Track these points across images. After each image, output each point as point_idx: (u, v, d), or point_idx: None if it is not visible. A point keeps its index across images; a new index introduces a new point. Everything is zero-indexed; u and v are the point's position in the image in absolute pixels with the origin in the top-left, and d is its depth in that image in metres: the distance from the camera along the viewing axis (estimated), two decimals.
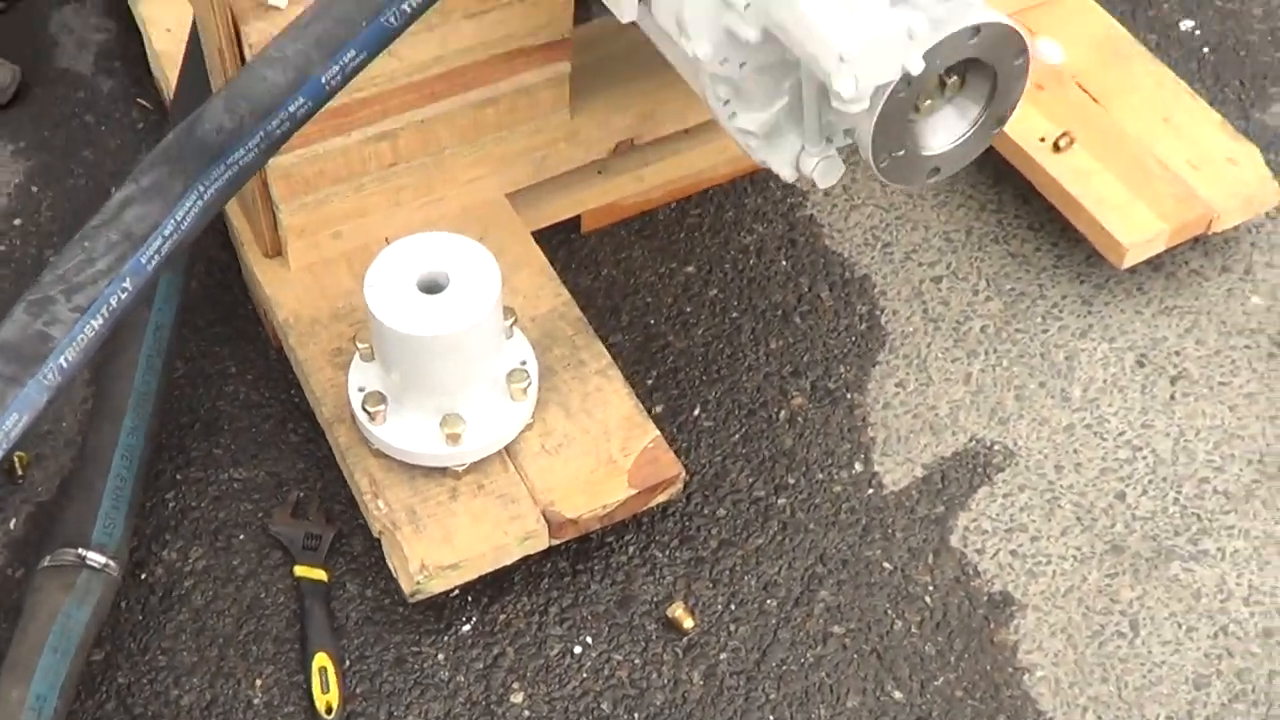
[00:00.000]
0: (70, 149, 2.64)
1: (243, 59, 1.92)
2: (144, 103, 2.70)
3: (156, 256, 1.37)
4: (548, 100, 2.19)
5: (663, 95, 2.26)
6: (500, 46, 2.08)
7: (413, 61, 2.02)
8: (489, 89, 2.12)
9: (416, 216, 2.21)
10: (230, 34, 1.91)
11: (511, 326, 2.01)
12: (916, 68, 1.64)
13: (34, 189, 2.58)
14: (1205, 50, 2.84)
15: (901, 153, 1.81)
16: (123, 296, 1.36)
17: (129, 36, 2.74)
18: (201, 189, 1.36)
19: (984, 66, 1.79)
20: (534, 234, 2.30)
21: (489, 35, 2.06)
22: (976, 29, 1.72)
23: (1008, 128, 2.42)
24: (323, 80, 1.34)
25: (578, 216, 2.45)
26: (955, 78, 1.81)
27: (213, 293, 2.40)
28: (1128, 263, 2.35)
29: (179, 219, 1.36)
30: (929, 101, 1.80)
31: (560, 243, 2.44)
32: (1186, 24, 2.88)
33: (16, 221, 2.53)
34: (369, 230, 2.19)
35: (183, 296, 2.17)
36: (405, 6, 1.34)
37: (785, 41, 1.69)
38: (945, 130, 1.85)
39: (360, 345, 2.00)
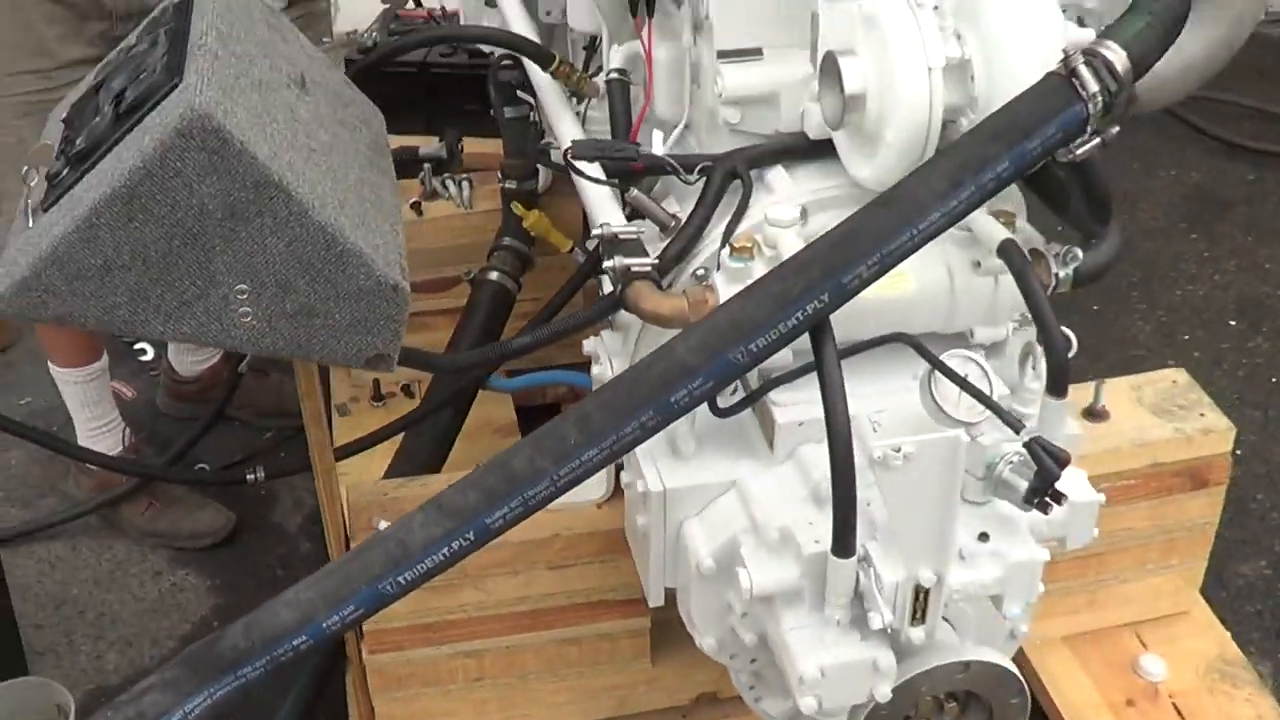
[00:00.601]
0: (256, 598, 2.89)
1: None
2: None
3: None
4: (629, 648, 2.36)
5: None
6: (582, 596, 2.27)
7: (499, 597, 2.23)
8: (571, 630, 2.30)
9: None
10: (342, 544, 2.20)
11: None
12: (884, 697, 1.77)
13: (215, 624, 2.87)
14: None
15: None
16: None
17: None
18: (211, 692, 1.62)
19: (981, 700, 1.90)
20: None
21: (571, 586, 2.25)
22: (966, 665, 1.80)
23: None
24: (324, 625, 1.59)
25: None
26: (954, 704, 1.91)
27: None
28: None
29: (187, 711, 1.62)
30: None
31: None
32: None
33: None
34: None
35: None
36: (402, 578, 1.58)
37: (772, 648, 1.85)
38: None
39: None
